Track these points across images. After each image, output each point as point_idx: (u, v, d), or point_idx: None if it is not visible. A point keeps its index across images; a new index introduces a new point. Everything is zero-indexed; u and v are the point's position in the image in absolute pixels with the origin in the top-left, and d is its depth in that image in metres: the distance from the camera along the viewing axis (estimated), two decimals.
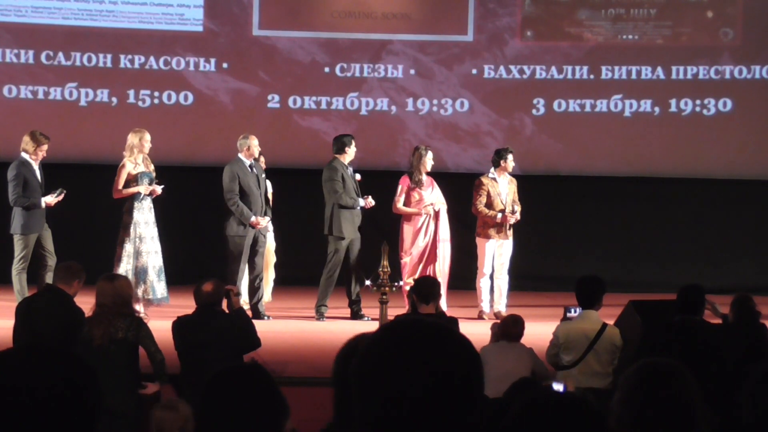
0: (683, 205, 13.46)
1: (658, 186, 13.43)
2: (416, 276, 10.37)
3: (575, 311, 7.65)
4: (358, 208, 10.80)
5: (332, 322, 10.54)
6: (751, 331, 7.40)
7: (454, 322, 7.05)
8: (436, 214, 10.89)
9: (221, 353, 6.58)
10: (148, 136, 10.39)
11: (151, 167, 10.46)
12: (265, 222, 10.69)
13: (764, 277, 12.79)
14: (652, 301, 8.58)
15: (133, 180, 10.31)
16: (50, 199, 10.27)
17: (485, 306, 11.00)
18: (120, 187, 10.30)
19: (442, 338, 1.99)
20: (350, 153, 10.90)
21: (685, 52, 13.41)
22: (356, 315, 10.71)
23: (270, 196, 11.35)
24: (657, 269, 13.11)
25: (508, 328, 7.32)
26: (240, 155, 10.69)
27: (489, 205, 10.97)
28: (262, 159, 11.21)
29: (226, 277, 10.35)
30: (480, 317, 10.87)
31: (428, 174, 11.00)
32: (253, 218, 10.53)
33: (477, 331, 8.10)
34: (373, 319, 10.34)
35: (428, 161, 10.91)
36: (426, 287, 7.56)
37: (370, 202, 10.83)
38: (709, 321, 7.49)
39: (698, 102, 13.42)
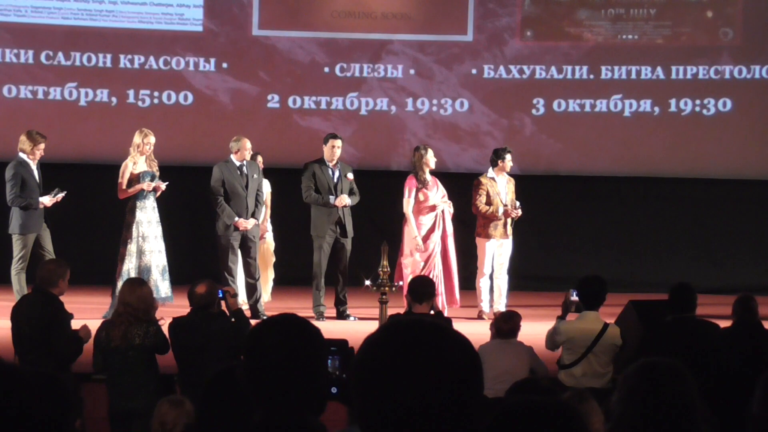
0: (683, 205, 13.45)
1: (658, 186, 13.42)
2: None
3: (575, 294, 7.62)
4: (333, 204, 10.73)
5: (332, 322, 10.53)
6: (753, 332, 7.39)
7: (447, 322, 7.04)
8: (443, 213, 10.87)
9: (218, 355, 6.58)
10: (151, 139, 10.40)
11: (155, 167, 10.47)
12: (251, 224, 10.64)
13: (764, 277, 12.78)
14: (652, 301, 8.57)
15: (136, 179, 10.33)
16: (47, 200, 10.25)
17: (485, 306, 11.00)
18: (124, 187, 10.33)
19: (441, 338, 1.98)
20: (326, 152, 10.83)
21: (685, 52, 13.41)
22: (342, 315, 10.72)
23: (269, 196, 11.35)
24: (657, 269, 13.10)
25: (500, 324, 7.31)
26: (231, 156, 10.70)
27: (488, 204, 10.96)
28: (260, 159, 11.21)
29: (221, 278, 10.37)
30: (480, 317, 10.86)
31: (431, 173, 10.95)
32: (236, 219, 10.54)
33: (477, 331, 8.10)
34: (360, 319, 10.51)
35: (430, 159, 10.87)
36: (419, 287, 7.54)
37: (340, 201, 10.74)
38: (703, 319, 7.48)
39: (698, 102, 13.41)
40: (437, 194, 10.87)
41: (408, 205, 10.78)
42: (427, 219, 10.80)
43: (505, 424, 2.01)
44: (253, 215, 10.70)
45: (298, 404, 2.55)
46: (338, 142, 10.87)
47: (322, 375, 2.61)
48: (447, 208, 10.88)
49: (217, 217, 10.65)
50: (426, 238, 10.75)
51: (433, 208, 10.79)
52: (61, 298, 7.19)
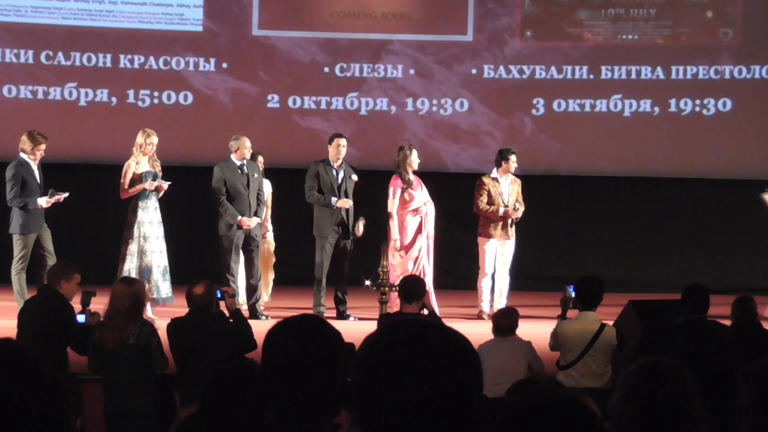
0: (683, 205, 13.45)
1: (658, 186, 13.42)
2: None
3: (573, 290, 7.64)
4: (335, 206, 10.72)
5: (332, 322, 10.50)
6: (752, 332, 7.39)
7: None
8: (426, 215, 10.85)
9: (216, 355, 6.57)
10: (154, 139, 10.37)
11: (158, 167, 10.46)
12: (254, 223, 10.65)
13: (764, 277, 12.78)
14: (651, 301, 8.57)
15: (138, 179, 10.32)
16: (43, 202, 10.22)
17: (485, 306, 10.99)
18: (126, 186, 10.33)
19: (441, 338, 1.98)
20: (331, 151, 10.85)
21: (685, 52, 13.41)
22: (342, 315, 10.69)
23: (269, 196, 11.35)
24: (657, 269, 13.10)
25: (499, 321, 7.32)
26: (231, 156, 10.70)
27: (490, 205, 10.96)
28: (260, 159, 11.20)
29: (222, 278, 10.37)
30: (479, 317, 10.86)
31: (415, 173, 10.90)
32: (239, 218, 10.54)
33: (477, 331, 8.09)
34: (360, 319, 10.49)
35: (414, 160, 10.82)
36: (409, 286, 7.53)
37: (343, 203, 10.74)
38: (715, 320, 7.46)
39: (698, 102, 13.41)
40: (422, 194, 10.84)
41: (393, 205, 10.75)
42: (414, 221, 10.77)
43: (519, 420, 2.01)
44: (255, 214, 10.70)
45: (312, 406, 2.54)
46: (343, 141, 10.88)
47: (339, 377, 2.59)
48: (431, 209, 10.85)
49: (219, 217, 10.64)
50: (413, 240, 10.73)
51: (417, 210, 10.76)
52: None
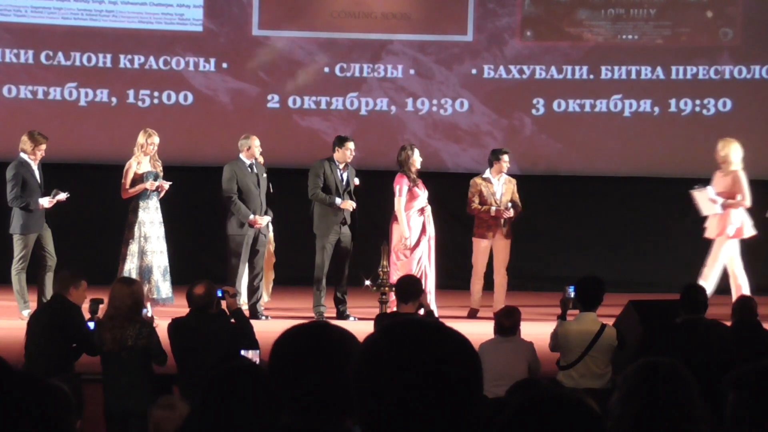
0: (683, 205, 13.43)
1: (658, 186, 13.41)
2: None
3: (573, 290, 7.65)
4: (338, 206, 10.70)
5: (332, 322, 10.49)
6: (753, 332, 7.39)
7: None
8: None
9: (217, 355, 6.57)
10: (155, 139, 10.39)
11: (159, 167, 10.46)
12: (265, 221, 10.67)
13: (765, 278, 12.77)
14: (652, 301, 8.57)
15: (139, 180, 10.33)
16: (45, 202, 10.22)
17: (476, 305, 11.05)
18: (127, 187, 10.33)
19: (440, 338, 1.98)
20: (339, 154, 10.81)
21: (685, 52, 13.40)
22: (342, 315, 10.67)
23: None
24: (657, 269, 13.09)
25: (501, 320, 7.33)
26: (241, 155, 10.71)
27: (482, 205, 10.99)
28: (261, 160, 11.20)
29: (226, 277, 10.36)
30: (469, 315, 10.91)
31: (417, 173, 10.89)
32: (251, 217, 10.54)
33: (474, 331, 8.07)
34: (360, 319, 10.41)
35: (417, 159, 10.78)
36: (405, 286, 7.52)
37: (348, 204, 10.71)
38: (715, 320, 7.46)
39: (698, 102, 13.41)
40: (425, 194, 10.83)
41: (401, 203, 10.70)
42: (418, 221, 10.74)
43: (521, 420, 2.00)
44: (265, 213, 10.71)
45: (326, 408, 2.51)
46: (352, 146, 10.84)
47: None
48: (429, 211, 10.84)
49: (229, 216, 10.61)
50: (418, 241, 10.71)
51: (422, 210, 10.74)
52: None
